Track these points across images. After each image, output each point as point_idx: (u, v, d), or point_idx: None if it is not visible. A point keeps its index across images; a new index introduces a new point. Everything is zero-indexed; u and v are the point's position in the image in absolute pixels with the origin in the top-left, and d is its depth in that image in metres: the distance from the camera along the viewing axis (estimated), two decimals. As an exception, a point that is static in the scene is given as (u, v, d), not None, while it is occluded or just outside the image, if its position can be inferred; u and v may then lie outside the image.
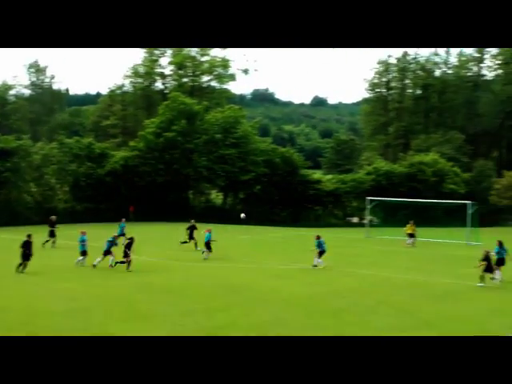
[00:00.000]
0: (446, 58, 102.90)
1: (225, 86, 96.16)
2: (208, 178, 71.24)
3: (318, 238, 31.35)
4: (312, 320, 18.68)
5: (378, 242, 46.24)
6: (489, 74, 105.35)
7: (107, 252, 29.66)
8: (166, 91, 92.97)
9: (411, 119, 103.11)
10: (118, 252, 29.78)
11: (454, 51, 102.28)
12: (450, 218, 58.14)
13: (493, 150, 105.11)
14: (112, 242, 30.00)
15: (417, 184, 73.57)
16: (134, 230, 42.45)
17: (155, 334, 15.98)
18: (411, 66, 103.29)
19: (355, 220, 73.79)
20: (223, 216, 68.64)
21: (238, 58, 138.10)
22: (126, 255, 28.79)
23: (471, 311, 20.53)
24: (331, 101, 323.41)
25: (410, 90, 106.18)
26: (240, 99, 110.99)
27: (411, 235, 44.51)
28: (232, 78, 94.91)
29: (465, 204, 49.21)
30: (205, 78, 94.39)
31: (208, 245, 33.90)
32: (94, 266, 29.09)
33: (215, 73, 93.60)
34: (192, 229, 38.76)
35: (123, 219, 41.73)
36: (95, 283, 24.88)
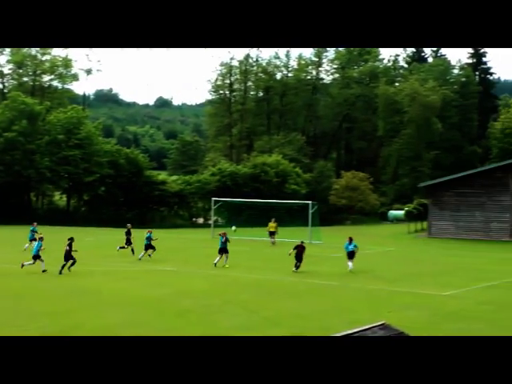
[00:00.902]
0: (286, 62, 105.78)
1: (67, 86, 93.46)
2: (51, 179, 69.18)
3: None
4: (160, 321, 18.55)
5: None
6: (327, 78, 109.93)
7: None
8: (5, 90, 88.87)
9: (254, 121, 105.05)
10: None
11: (294, 54, 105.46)
12: (293, 217, 60.00)
13: (332, 152, 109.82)
14: None
15: (260, 185, 75.19)
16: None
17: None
18: (253, 68, 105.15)
19: (201, 221, 74.27)
20: (67, 218, 66.75)
21: (80, 57, 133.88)
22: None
23: (313, 308, 21.24)
24: (175, 102, 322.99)
25: (253, 92, 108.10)
26: (83, 99, 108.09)
27: (272, 233, 45.43)
28: (75, 77, 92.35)
29: (306, 204, 50.98)
30: (46, 78, 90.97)
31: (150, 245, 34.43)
32: None
33: (57, 72, 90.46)
34: (128, 234, 37.76)
35: None
36: None
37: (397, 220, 76.76)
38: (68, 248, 28.45)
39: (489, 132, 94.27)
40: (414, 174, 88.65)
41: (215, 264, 31.89)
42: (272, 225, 45.86)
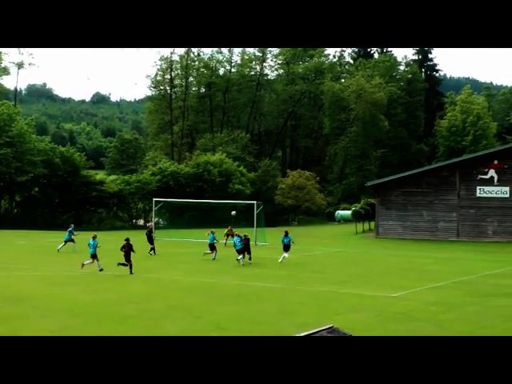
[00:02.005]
0: (228, 57, 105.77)
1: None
2: (-21, 179, 67.55)
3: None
4: (100, 328, 18.38)
5: (166, 245, 46.55)
6: (271, 74, 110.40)
7: None
8: None
9: (196, 118, 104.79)
10: None
11: (237, 49, 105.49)
12: (237, 218, 60.07)
13: (277, 150, 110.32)
14: None
15: (203, 184, 75.07)
16: None
17: None
18: (195, 63, 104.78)
19: (141, 222, 73.75)
20: (-3, 221, 65.35)
21: (11, 50, 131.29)
22: None
23: (260, 312, 21.35)
24: (113, 98, 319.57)
25: (195, 89, 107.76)
26: (14, 95, 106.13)
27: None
28: (5, 71, 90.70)
29: (251, 204, 51.14)
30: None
31: (213, 246, 37.18)
32: None
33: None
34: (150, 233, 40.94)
35: None
36: None
37: (344, 220, 77.67)
38: (126, 249, 30.88)
39: (435, 130, 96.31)
40: (361, 173, 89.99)
41: (241, 262, 34.39)
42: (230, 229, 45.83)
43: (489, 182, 52.38)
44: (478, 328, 18.70)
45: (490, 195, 52.42)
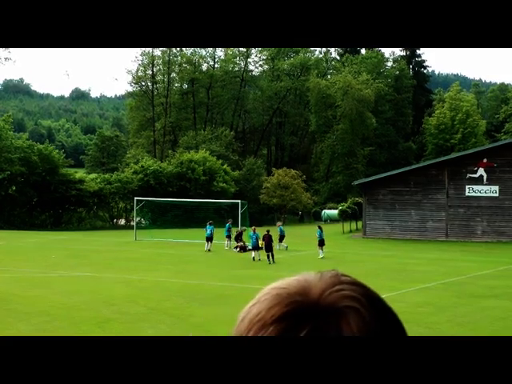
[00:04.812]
0: (212, 52, 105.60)
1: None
2: (-46, 178, 66.95)
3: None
4: (78, 332, 18.17)
5: (148, 245, 46.37)
6: (255, 70, 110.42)
7: None
8: None
9: (179, 115, 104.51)
10: None
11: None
12: (221, 217, 59.96)
13: (262, 148, 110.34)
14: None
15: (187, 183, 74.88)
16: None
17: None
18: (177, 58, 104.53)
19: (122, 222, 73.45)
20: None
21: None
22: None
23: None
24: (93, 94, 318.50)
25: (177, 85, 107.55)
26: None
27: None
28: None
29: (235, 203, 51.03)
30: None
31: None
32: None
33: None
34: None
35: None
36: None
37: (331, 220, 77.74)
38: (267, 240, 34.55)
39: (423, 127, 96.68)
40: (348, 172, 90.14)
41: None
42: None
43: (478, 180, 52.57)
44: (467, 330, 18.70)
45: (479, 194, 52.63)
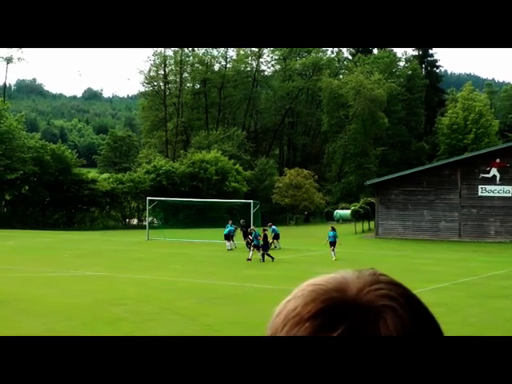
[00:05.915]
0: (224, 52, 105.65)
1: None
2: (-33, 177, 67.35)
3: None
4: (87, 331, 18.20)
5: (160, 245, 46.44)
6: (267, 70, 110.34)
7: None
8: None
9: (191, 115, 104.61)
10: None
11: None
12: (234, 217, 60.02)
13: (274, 148, 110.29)
14: None
15: (199, 183, 74.95)
16: None
17: None
18: (189, 58, 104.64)
19: (135, 222, 73.64)
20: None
21: None
22: None
23: (256, 315, 21.18)
24: (106, 94, 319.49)
25: (189, 85, 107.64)
26: (3, 90, 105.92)
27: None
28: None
29: (247, 203, 51.01)
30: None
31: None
32: None
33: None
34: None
35: None
36: None
37: (343, 220, 77.58)
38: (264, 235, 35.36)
39: (436, 127, 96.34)
40: (361, 172, 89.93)
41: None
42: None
43: (491, 180, 52.34)
44: (479, 330, 18.62)
45: (492, 194, 52.40)
